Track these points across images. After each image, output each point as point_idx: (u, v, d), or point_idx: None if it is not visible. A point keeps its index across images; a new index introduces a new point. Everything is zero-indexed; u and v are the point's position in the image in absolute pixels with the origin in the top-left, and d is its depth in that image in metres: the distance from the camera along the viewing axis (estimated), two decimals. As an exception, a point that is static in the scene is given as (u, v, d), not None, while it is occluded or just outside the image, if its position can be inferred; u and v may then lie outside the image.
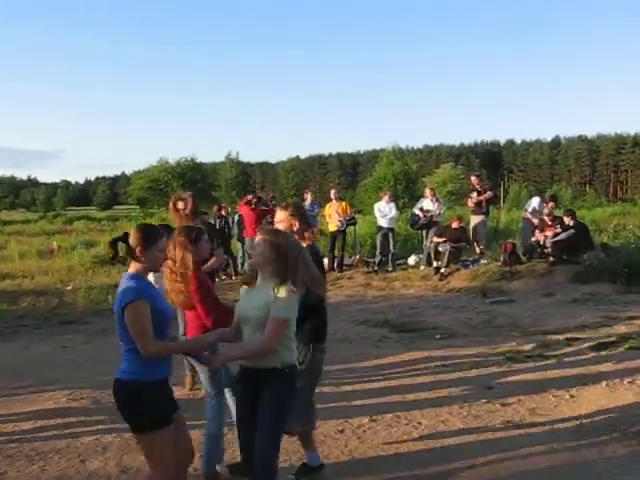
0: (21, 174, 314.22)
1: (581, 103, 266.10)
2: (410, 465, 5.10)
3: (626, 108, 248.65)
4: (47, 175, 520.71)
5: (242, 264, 16.52)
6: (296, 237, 4.71)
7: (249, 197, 16.11)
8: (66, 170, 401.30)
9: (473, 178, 16.37)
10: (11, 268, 18.15)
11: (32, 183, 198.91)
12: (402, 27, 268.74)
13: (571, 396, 6.60)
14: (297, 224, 4.79)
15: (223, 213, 17.71)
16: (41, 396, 7.12)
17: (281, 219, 4.84)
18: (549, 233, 13.87)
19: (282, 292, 3.89)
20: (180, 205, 6.90)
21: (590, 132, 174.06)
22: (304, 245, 4.66)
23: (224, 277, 15.93)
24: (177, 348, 4.10)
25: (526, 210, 16.07)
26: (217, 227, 15.90)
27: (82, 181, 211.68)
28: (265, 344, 3.91)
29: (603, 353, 8.12)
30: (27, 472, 5.10)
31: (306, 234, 4.83)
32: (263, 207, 15.70)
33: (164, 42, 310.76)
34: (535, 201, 16.11)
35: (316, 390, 5.11)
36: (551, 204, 15.21)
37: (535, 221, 15.02)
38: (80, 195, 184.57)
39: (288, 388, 4.04)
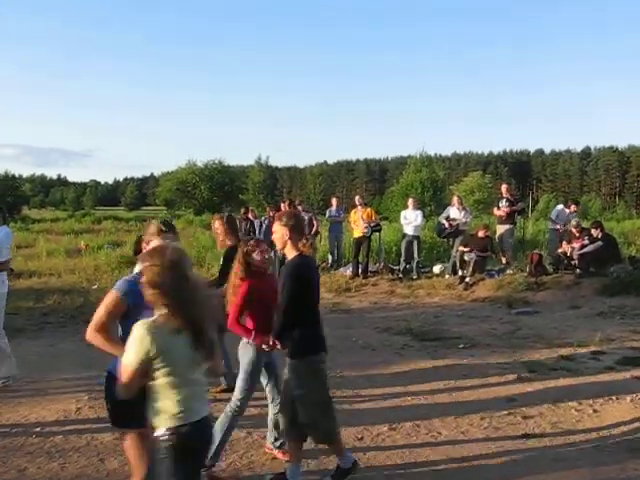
0: (51, 173, 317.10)
1: (613, 113, 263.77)
2: (428, 475, 5.07)
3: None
4: (77, 175, 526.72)
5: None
6: (289, 247, 4.80)
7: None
8: (95, 170, 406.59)
9: (504, 186, 16.39)
10: (38, 266, 18.32)
11: (62, 182, 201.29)
12: (435, 32, 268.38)
13: (594, 411, 6.53)
14: (287, 233, 4.79)
15: (250, 216, 17.78)
16: (63, 394, 7.18)
17: (274, 230, 4.92)
18: (576, 245, 13.76)
19: None
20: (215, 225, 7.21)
21: (621, 143, 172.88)
22: (294, 254, 4.79)
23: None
24: (118, 348, 3.54)
25: (550, 218, 16.09)
26: (243, 230, 16.05)
27: (111, 181, 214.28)
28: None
29: (628, 368, 8.02)
30: (47, 469, 5.14)
31: (299, 244, 4.81)
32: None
33: (195, 43, 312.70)
34: (559, 207, 16.21)
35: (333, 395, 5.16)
36: (573, 207, 15.27)
37: (558, 226, 15.06)
38: (109, 195, 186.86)
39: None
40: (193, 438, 3.16)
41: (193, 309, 3.13)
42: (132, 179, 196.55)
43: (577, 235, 14.01)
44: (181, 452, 3.12)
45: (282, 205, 17.19)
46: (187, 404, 3.15)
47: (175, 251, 3.25)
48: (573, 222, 14.58)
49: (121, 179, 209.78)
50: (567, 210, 15.50)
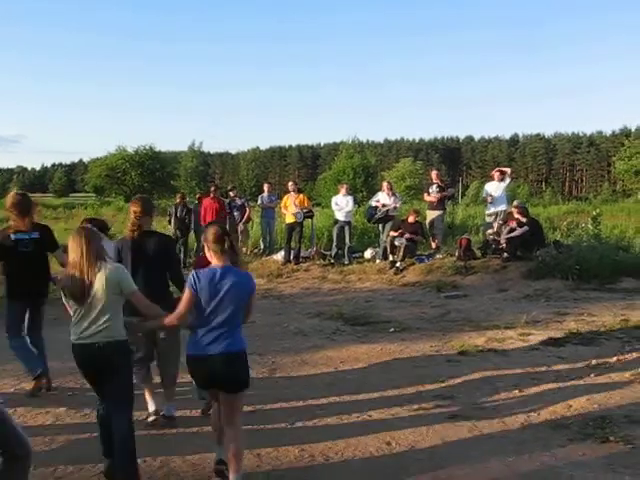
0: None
1: (540, 102, 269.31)
2: (358, 457, 5.12)
3: (582, 109, 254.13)
4: (3, 161, 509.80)
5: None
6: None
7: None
8: (23, 156, 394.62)
9: (434, 172, 16.54)
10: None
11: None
12: (366, 20, 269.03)
13: (520, 391, 6.68)
14: None
15: (186, 200, 17.70)
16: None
17: None
18: (510, 225, 13.92)
19: None
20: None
21: (548, 131, 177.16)
22: None
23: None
24: None
25: (484, 199, 16.24)
26: (178, 215, 16.28)
27: (39, 167, 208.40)
28: None
29: (553, 349, 8.23)
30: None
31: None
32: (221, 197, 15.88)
33: (121, 31, 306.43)
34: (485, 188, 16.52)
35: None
36: (496, 175, 15.52)
37: (489, 199, 15.17)
38: (36, 181, 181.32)
39: None
40: None
41: None
42: (60, 165, 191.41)
43: (514, 215, 14.10)
44: None
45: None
46: None
47: None
48: (515, 202, 14.84)
49: (49, 165, 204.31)
50: (490, 183, 15.81)
